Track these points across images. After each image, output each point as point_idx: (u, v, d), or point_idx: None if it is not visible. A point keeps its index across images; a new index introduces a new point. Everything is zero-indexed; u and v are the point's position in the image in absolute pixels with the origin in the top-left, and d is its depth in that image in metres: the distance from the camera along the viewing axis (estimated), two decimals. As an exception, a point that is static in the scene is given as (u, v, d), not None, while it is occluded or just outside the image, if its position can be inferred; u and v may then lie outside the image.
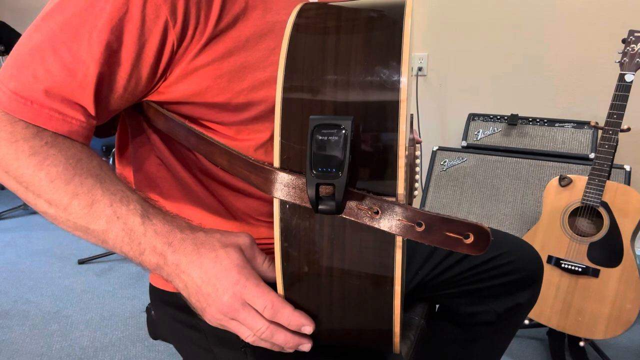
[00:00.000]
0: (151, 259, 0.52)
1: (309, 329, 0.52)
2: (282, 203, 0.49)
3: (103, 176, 0.53)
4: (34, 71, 0.51)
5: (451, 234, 0.44)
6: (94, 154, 0.55)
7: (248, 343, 0.67)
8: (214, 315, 0.52)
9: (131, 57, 0.54)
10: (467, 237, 0.44)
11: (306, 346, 0.54)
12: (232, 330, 0.54)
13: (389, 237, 0.47)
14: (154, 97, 0.61)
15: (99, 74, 0.53)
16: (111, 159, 2.55)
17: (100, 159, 0.55)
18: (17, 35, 2.67)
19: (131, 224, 0.52)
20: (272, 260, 0.54)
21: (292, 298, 0.53)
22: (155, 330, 0.87)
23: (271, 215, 0.51)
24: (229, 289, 0.51)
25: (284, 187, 0.48)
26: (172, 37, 0.54)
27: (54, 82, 0.52)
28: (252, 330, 0.52)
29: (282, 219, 0.50)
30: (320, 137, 0.44)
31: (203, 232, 0.54)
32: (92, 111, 0.54)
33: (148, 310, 0.87)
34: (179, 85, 0.59)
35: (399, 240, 0.47)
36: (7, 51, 2.72)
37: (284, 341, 0.53)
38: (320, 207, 0.45)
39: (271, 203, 0.51)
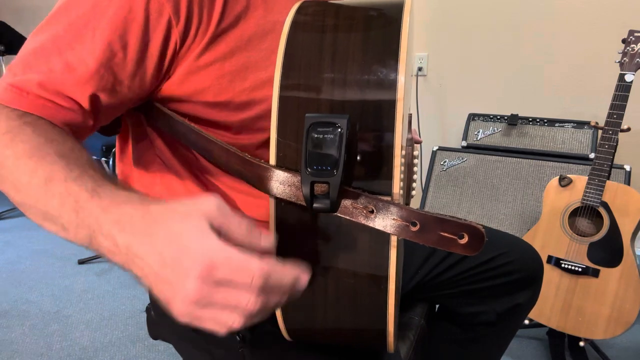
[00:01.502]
0: (102, 242, 0.42)
1: (305, 277, 0.43)
2: (278, 201, 0.49)
3: (69, 155, 0.48)
4: (37, 71, 0.52)
5: (445, 234, 0.44)
6: (72, 139, 0.52)
7: (246, 344, 0.67)
8: (181, 308, 0.40)
9: (135, 57, 0.54)
10: (462, 237, 0.43)
11: (304, 282, 0.44)
12: (210, 324, 0.41)
13: (383, 237, 0.47)
14: (155, 95, 0.61)
15: (100, 74, 0.53)
16: (111, 159, 2.55)
17: (77, 144, 0.51)
18: (17, 35, 2.67)
19: (82, 202, 0.43)
20: (252, 222, 0.44)
21: None
22: (155, 330, 0.87)
23: None
24: (192, 270, 0.38)
25: (280, 184, 0.48)
26: (175, 36, 0.55)
27: (53, 78, 0.52)
28: (238, 309, 0.40)
29: (277, 217, 0.50)
30: (315, 135, 0.43)
31: (157, 205, 0.43)
32: (87, 108, 0.54)
33: (148, 310, 0.87)
34: (181, 84, 0.59)
35: (393, 240, 0.47)
36: (7, 51, 2.72)
37: (280, 301, 0.43)
38: (315, 205, 0.45)
39: None
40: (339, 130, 0.43)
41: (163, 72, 0.57)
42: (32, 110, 0.51)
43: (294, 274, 0.41)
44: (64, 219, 0.44)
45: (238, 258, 0.38)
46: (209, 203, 0.41)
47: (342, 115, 0.44)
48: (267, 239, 0.42)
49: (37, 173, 0.46)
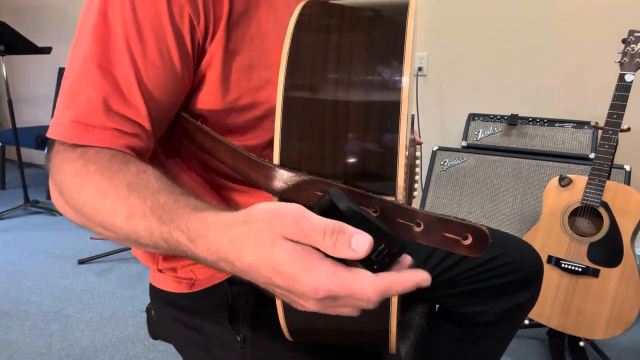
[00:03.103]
0: (207, 265, 0.45)
1: (426, 278, 0.43)
2: (282, 201, 0.49)
3: (138, 183, 0.49)
4: (86, 94, 0.52)
5: (450, 235, 0.44)
6: (134, 160, 0.53)
7: (247, 344, 0.68)
8: (304, 309, 0.43)
9: (174, 62, 0.55)
10: (466, 238, 0.43)
11: (427, 283, 0.44)
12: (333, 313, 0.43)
13: None
14: None
15: (147, 87, 0.54)
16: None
17: (140, 165, 0.52)
18: (17, 35, 2.66)
19: (165, 235, 0.46)
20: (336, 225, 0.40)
21: None
22: (155, 330, 0.87)
23: None
24: (308, 295, 0.40)
25: (283, 184, 0.49)
26: (198, 36, 0.56)
27: (109, 99, 0.52)
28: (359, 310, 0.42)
29: None
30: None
31: (238, 228, 0.42)
32: (147, 125, 0.55)
33: (148, 310, 0.87)
34: (195, 85, 0.60)
35: (398, 240, 0.47)
36: (7, 51, 2.71)
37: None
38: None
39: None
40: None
41: (194, 75, 0.58)
42: (97, 143, 0.52)
43: (413, 283, 0.41)
44: (158, 249, 0.47)
45: (351, 283, 0.39)
46: (287, 225, 0.40)
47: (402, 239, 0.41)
48: (360, 245, 0.39)
49: (117, 211, 0.48)
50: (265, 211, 0.40)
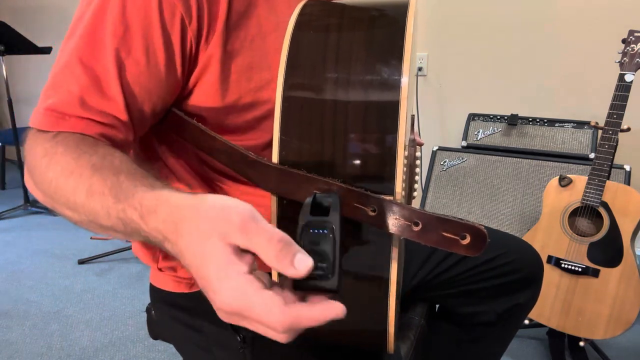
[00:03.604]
0: (158, 244, 0.44)
1: (339, 312, 0.39)
2: (280, 199, 0.50)
3: (102, 164, 0.49)
4: (68, 87, 0.52)
5: (448, 234, 0.44)
6: (103, 145, 0.52)
7: (247, 344, 0.67)
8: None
9: (159, 62, 0.55)
10: (464, 237, 0.44)
11: (340, 317, 0.40)
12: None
13: (385, 236, 0.47)
14: None
15: (129, 83, 0.54)
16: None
17: (108, 149, 0.52)
18: (17, 35, 2.66)
19: (121, 214, 0.45)
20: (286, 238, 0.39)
21: None
22: (155, 330, 0.87)
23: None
24: (216, 303, 0.39)
25: (282, 182, 0.49)
26: (190, 36, 0.55)
27: (86, 95, 0.52)
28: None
29: (279, 216, 0.50)
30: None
31: (186, 211, 0.41)
32: (127, 120, 0.55)
33: (148, 310, 0.87)
34: (192, 85, 0.59)
35: (395, 240, 0.47)
36: (7, 51, 2.71)
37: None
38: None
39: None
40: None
41: (186, 75, 0.58)
42: (70, 130, 0.52)
43: (323, 317, 0.38)
44: (118, 229, 0.46)
45: (258, 309, 0.36)
46: (233, 221, 0.38)
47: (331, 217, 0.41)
48: (302, 264, 0.37)
49: (79, 190, 0.47)
50: (214, 206, 0.39)
